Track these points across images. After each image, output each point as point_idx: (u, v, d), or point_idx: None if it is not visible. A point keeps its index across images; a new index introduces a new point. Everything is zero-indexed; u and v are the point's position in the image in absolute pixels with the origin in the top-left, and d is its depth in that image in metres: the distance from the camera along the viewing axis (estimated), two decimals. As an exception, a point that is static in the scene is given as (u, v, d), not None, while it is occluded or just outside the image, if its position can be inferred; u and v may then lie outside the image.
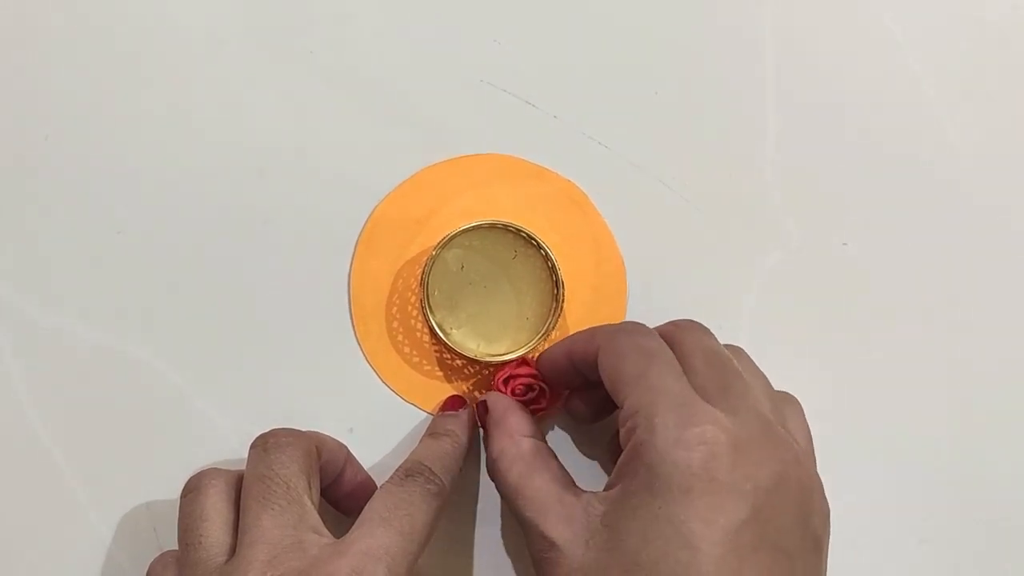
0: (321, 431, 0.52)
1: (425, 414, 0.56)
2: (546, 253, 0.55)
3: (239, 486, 0.48)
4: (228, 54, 0.58)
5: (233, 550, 0.45)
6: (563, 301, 0.55)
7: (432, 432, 0.53)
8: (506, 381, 0.54)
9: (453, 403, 0.55)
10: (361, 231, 0.57)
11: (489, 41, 0.58)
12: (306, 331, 0.57)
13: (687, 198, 0.58)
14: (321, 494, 0.50)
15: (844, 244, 0.59)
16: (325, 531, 0.46)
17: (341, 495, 0.53)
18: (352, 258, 0.57)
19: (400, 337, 0.57)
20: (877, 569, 0.57)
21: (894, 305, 0.59)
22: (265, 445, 0.48)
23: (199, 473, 0.49)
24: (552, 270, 0.55)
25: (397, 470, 0.49)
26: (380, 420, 0.56)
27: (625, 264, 0.58)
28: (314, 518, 0.46)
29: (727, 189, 0.58)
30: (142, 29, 0.58)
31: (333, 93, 0.58)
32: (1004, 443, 0.58)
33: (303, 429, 0.51)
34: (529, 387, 0.54)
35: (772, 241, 0.58)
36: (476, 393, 0.56)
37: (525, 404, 0.54)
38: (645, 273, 0.58)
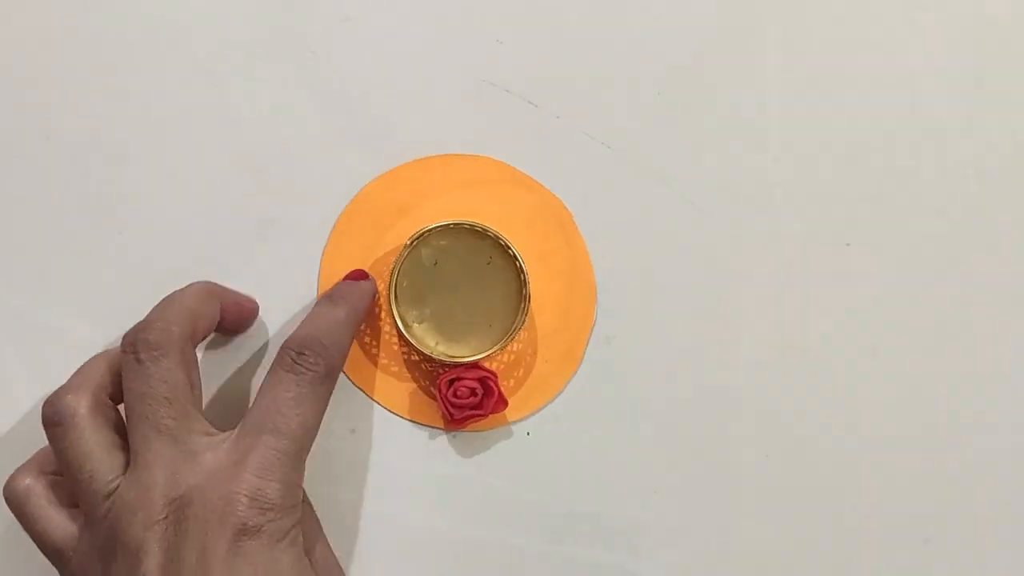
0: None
1: (387, 411, 0.56)
2: (520, 265, 0.55)
3: (105, 396, 0.48)
4: (229, 53, 0.58)
5: (125, 466, 0.46)
6: (526, 316, 0.55)
7: (331, 296, 0.52)
8: (450, 382, 0.54)
9: (357, 274, 0.55)
10: (342, 210, 0.57)
11: (492, 41, 0.58)
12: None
13: (689, 198, 0.58)
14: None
15: (847, 244, 0.58)
16: (212, 429, 0.46)
17: (224, 323, 0.53)
18: (328, 237, 0.57)
19: (363, 326, 0.56)
20: (880, 570, 0.56)
21: (897, 305, 0.58)
22: (138, 355, 0.46)
23: (56, 396, 0.47)
24: (523, 283, 0.55)
25: (288, 342, 0.48)
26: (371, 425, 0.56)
27: (622, 269, 0.57)
28: (199, 421, 0.46)
29: (729, 188, 0.58)
30: (143, 29, 0.58)
31: (334, 93, 0.58)
32: (1009, 442, 0.57)
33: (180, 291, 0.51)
34: (472, 391, 0.54)
35: (774, 241, 0.58)
36: (433, 389, 0.56)
37: (465, 408, 0.54)
38: (645, 273, 0.57)
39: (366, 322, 0.56)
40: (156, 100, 0.57)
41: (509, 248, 0.55)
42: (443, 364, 0.55)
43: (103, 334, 0.56)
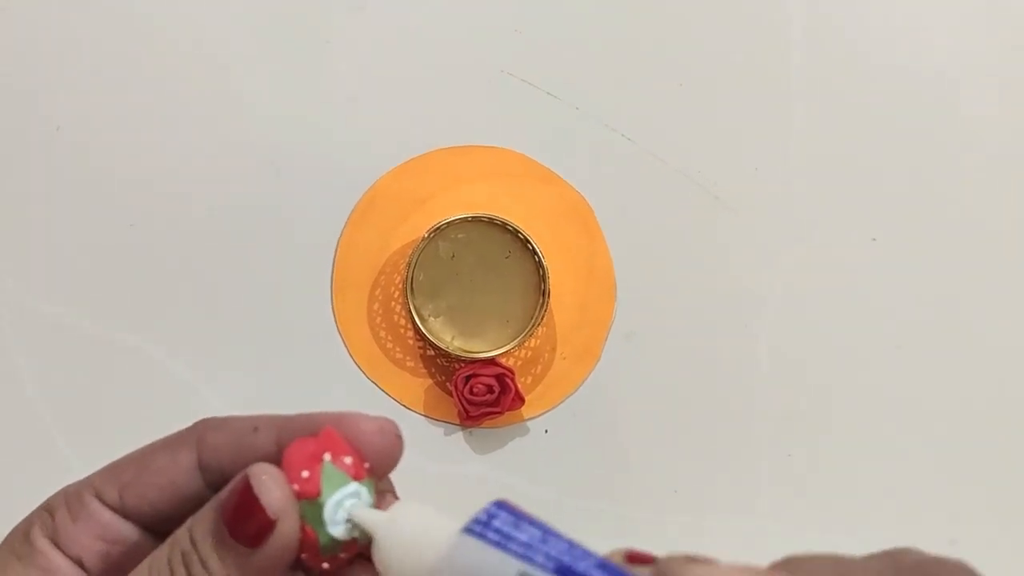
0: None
1: (402, 406, 0.56)
2: (539, 259, 0.54)
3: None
4: (244, 44, 0.57)
5: None
6: (546, 311, 0.54)
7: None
8: (467, 379, 0.53)
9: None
10: (359, 199, 0.56)
11: (511, 31, 0.57)
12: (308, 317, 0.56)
13: (712, 192, 0.56)
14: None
15: (873, 240, 0.57)
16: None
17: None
18: (343, 226, 0.56)
19: (378, 320, 0.56)
20: None
21: (923, 300, 0.57)
22: None
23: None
24: (542, 278, 0.54)
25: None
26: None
27: (643, 264, 0.56)
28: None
29: (752, 183, 0.57)
30: (155, 22, 0.57)
31: (350, 83, 0.56)
32: None
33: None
34: (489, 389, 0.53)
35: (798, 236, 0.57)
36: (449, 384, 0.55)
37: (481, 405, 0.53)
38: (666, 269, 0.56)
39: (382, 316, 0.56)
40: (169, 91, 0.56)
41: (528, 242, 0.54)
42: (459, 359, 0.54)
43: (112, 330, 0.55)
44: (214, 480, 0.31)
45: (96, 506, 0.32)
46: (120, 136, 0.56)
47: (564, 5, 0.57)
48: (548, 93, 0.57)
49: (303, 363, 0.55)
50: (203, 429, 0.32)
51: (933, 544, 0.56)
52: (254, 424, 0.30)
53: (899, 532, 0.55)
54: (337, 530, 0.26)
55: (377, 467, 0.29)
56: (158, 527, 0.31)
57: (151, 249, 0.56)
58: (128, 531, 0.31)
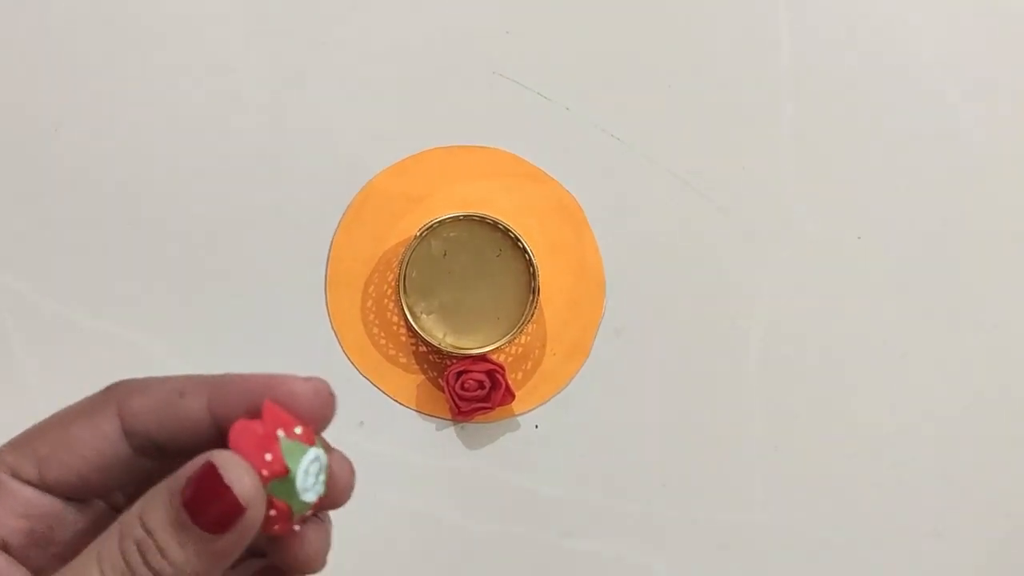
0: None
1: (395, 402, 0.56)
2: (529, 258, 0.55)
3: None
4: (240, 42, 0.57)
5: None
6: (536, 308, 0.55)
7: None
8: (458, 375, 0.54)
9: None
10: (352, 199, 0.57)
11: (501, 32, 0.57)
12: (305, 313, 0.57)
13: (700, 191, 0.57)
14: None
15: (858, 238, 0.57)
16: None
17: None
18: (337, 225, 0.57)
19: (372, 317, 0.56)
20: (891, 563, 0.57)
21: (908, 299, 0.58)
22: None
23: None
24: (533, 276, 0.55)
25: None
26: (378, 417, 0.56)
27: (632, 261, 0.57)
28: None
29: (741, 182, 0.58)
30: (153, 21, 0.57)
31: (343, 83, 0.57)
32: (1022, 436, 0.57)
33: None
34: (480, 384, 0.54)
35: (786, 234, 0.58)
36: (441, 380, 0.56)
37: (472, 400, 0.54)
38: (654, 266, 0.57)
39: (375, 313, 0.56)
40: (166, 89, 0.57)
41: (519, 240, 0.55)
42: (451, 356, 0.55)
43: (108, 327, 0.56)
44: (141, 444, 0.30)
45: (12, 484, 0.30)
46: (117, 136, 0.57)
47: (554, 7, 0.58)
48: (539, 94, 0.57)
49: (298, 360, 0.56)
50: (123, 394, 0.31)
51: (918, 536, 0.57)
52: (179, 388, 0.30)
53: (884, 524, 0.56)
54: (309, 495, 0.28)
55: (315, 426, 0.30)
56: (81, 496, 0.31)
57: (146, 247, 0.56)
58: (51, 505, 0.31)
